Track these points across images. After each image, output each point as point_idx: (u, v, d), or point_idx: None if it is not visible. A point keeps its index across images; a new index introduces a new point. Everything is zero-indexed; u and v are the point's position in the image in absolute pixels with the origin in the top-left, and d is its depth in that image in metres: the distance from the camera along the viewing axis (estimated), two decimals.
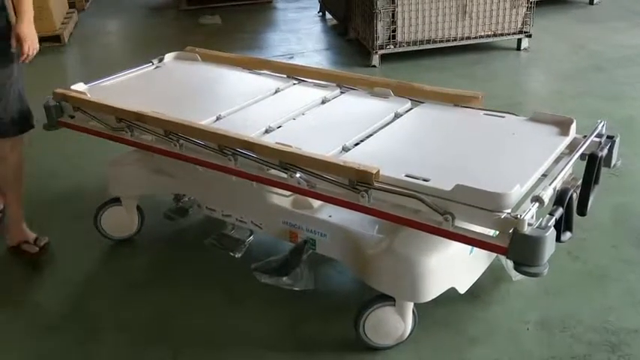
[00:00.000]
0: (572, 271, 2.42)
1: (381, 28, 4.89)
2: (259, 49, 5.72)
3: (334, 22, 6.27)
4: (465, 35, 5.05)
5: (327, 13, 6.54)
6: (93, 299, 2.42)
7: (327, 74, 2.70)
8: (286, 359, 2.07)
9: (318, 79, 2.64)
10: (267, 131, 2.21)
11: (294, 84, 2.65)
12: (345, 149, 2.03)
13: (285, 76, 2.72)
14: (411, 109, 2.35)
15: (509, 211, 1.65)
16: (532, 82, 4.81)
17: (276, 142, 2.02)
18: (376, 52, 4.94)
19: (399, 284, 1.92)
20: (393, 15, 4.88)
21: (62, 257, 2.67)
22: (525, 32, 5.10)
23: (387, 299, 1.97)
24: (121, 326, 2.24)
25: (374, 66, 4.95)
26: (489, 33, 5.08)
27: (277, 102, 2.49)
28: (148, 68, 2.91)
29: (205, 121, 2.28)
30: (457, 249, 1.90)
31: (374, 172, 1.76)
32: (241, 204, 2.36)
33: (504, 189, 1.64)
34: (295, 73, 2.73)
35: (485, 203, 1.65)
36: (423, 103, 2.38)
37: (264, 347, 2.12)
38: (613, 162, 2.07)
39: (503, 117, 2.21)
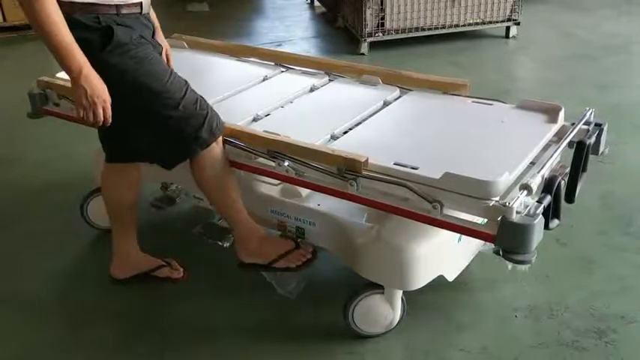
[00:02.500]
0: (559, 258, 2.44)
1: (369, 16, 4.87)
2: (247, 36, 5.68)
3: (323, 9, 6.23)
4: (454, 23, 5.04)
5: (315, 0, 6.49)
6: (81, 289, 2.40)
7: (316, 62, 2.67)
8: (276, 348, 2.07)
9: (307, 67, 2.62)
10: (255, 119, 2.19)
11: (282, 72, 2.63)
12: (334, 137, 2.02)
13: (273, 63, 2.69)
14: (399, 97, 2.34)
15: (497, 198, 1.65)
16: (520, 70, 4.81)
17: (264, 131, 2.01)
18: (365, 40, 4.92)
19: (388, 272, 1.92)
20: (381, 2, 4.86)
21: (49, 246, 2.64)
22: (514, 20, 5.10)
23: (375, 287, 1.97)
24: (110, 315, 2.23)
25: (362, 54, 4.93)
26: (478, 21, 5.07)
27: (265, 90, 2.47)
28: None
29: None
30: (446, 237, 1.90)
31: (362, 160, 1.76)
32: None
33: (493, 177, 1.64)
34: (283, 61, 2.71)
35: (474, 191, 1.64)
36: (411, 90, 2.37)
37: (254, 336, 2.11)
38: (601, 149, 2.07)
39: (491, 104, 2.20)
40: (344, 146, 1.91)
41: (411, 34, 4.98)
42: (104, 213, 2.63)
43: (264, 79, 2.55)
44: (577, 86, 4.15)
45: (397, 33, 4.97)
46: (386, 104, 2.27)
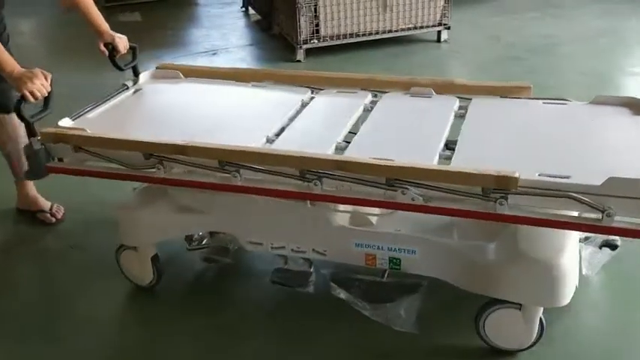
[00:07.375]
0: None
1: (304, 23, 4.79)
2: (182, 45, 5.45)
3: (258, 17, 6.08)
4: (387, 29, 5.06)
5: (250, 8, 6.32)
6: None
7: (355, 80, 2.45)
8: None
9: (345, 87, 2.40)
10: (337, 147, 1.99)
11: (313, 96, 2.39)
12: (444, 157, 1.88)
13: (305, 86, 2.44)
14: (464, 106, 2.22)
15: None
16: (453, 73, 4.84)
17: (373, 158, 1.81)
18: (300, 47, 4.84)
19: (533, 290, 1.81)
20: (315, 9, 4.79)
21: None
22: (444, 24, 5.20)
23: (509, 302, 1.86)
24: None
25: (299, 61, 4.85)
26: (410, 26, 5.12)
27: (313, 114, 2.24)
28: (126, 93, 2.50)
29: (257, 145, 2.00)
30: (575, 249, 1.84)
31: (516, 176, 1.63)
32: (296, 231, 2.11)
33: None
34: (304, 82, 2.46)
35: None
36: (470, 99, 2.26)
37: None
38: None
39: (565, 104, 2.17)
40: (462, 164, 1.78)
41: (346, 41, 4.96)
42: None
43: (302, 106, 2.32)
44: None
45: (332, 39, 4.92)
46: (457, 115, 2.16)
